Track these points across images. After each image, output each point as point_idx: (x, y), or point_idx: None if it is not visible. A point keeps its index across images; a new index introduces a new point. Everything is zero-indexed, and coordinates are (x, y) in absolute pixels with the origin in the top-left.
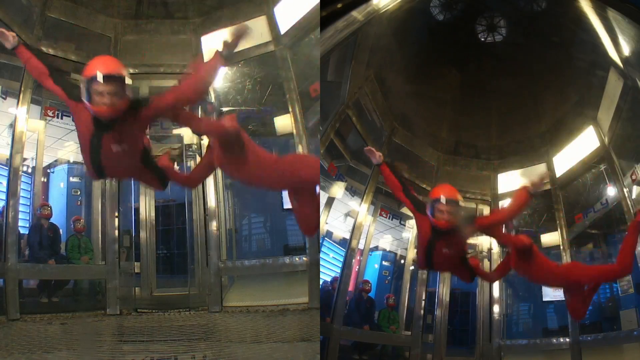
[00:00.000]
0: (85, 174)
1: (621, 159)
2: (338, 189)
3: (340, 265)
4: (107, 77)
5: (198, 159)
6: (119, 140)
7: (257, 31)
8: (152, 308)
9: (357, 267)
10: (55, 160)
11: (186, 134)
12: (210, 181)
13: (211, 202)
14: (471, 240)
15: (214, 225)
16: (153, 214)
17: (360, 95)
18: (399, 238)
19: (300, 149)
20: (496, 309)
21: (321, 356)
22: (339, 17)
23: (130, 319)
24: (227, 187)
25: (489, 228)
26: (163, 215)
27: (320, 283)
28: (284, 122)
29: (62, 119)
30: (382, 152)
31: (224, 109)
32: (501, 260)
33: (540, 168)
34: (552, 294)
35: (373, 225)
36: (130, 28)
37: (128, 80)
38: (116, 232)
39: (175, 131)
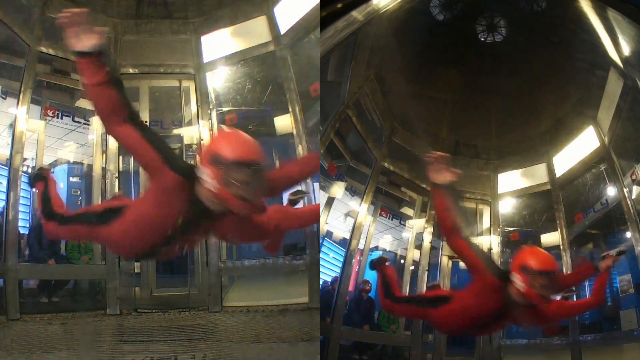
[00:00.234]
0: (126, 256)
1: (621, 159)
2: (338, 189)
3: (340, 265)
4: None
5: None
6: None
7: (257, 31)
8: (152, 308)
9: (357, 267)
10: (55, 160)
11: (186, 134)
12: None
13: None
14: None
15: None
16: None
17: (360, 95)
18: (399, 238)
19: (300, 149)
20: None
21: (321, 356)
22: (339, 17)
23: (130, 319)
24: None
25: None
26: None
27: (320, 283)
28: (284, 122)
29: (62, 119)
30: (382, 152)
31: (224, 109)
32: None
33: (540, 168)
34: None
35: (373, 225)
36: (130, 28)
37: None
38: None
39: (175, 131)
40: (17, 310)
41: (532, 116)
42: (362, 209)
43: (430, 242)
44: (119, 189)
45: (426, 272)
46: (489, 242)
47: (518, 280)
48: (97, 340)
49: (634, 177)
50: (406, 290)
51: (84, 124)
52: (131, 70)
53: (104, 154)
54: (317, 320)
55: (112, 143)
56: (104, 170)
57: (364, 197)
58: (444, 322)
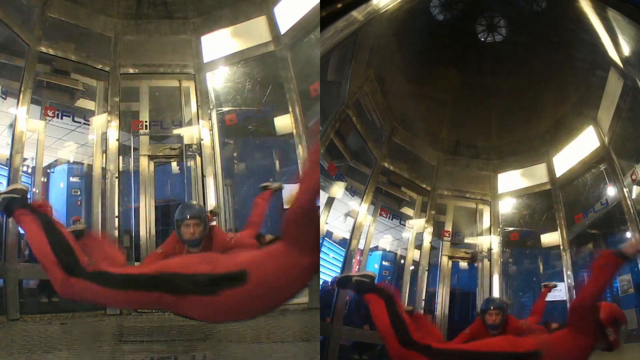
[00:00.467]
0: None
1: (621, 159)
2: (338, 189)
3: (340, 265)
4: None
5: (198, 159)
6: None
7: (257, 31)
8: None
9: (357, 267)
10: (55, 160)
11: (186, 134)
12: (210, 181)
13: (211, 202)
14: (470, 240)
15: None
16: (153, 214)
17: (360, 95)
18: (399, 238)
19: (300, 149)
20: None
21: (321, 356)
22: (339, 17)
23: (130, 319)
24: (227, 186)
25: None
26: (163, 215)
27: (320, 283)
28: (284, 122)
29: (62, 119)
30: (382, 152)
31: (224, 109)
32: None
33: (540, 168)
34: (552, 294)
35: (373, 225)
36: (130, 28)
37: None
38: (116, 232)
39: (175, 131)
40: (17, 310)
41: (532, 116)
42: (362, 209)
43: (430, 242)
44: (119, 189)
45: (426, 272)
46: (489, 242)
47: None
48: (97, 340)
49: (634, 177)
50: (406, 291)
51: (84, 124)
52: (131, 70)
53: (104, 154)
54: (317, 320)
55: (112, 143)
56: (104, 170)
57: (364, 197)
58: None
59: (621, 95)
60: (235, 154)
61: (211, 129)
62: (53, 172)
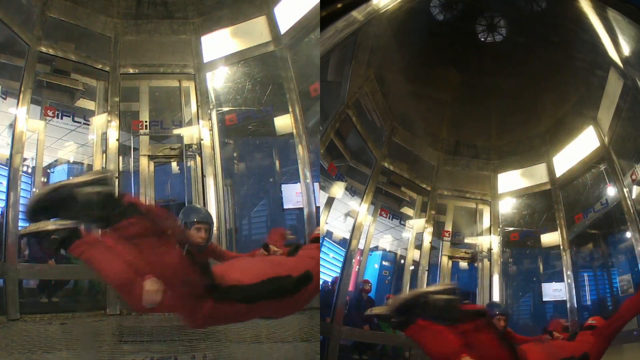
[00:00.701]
0: None
1: (621, 159)
2: (338, 189)
3: (340, 265)
4: None
5: (198, 159)
6: None
7: (257, 31)
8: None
9: (357, 267)
10: (55, 160)
11: (186, 134)
12: (210, 181)
13: (211, 202)
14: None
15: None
16: None
17: (360, 95)
18: (399, 238)
19: (300, 149)
20: None
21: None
22: (339, 17)
23: (130, 319)
24: (227, 186)
25: None
26: None
27: (320, 283)
28: (284, 122)
29: (62, 119)
30: (382, 152)
31: (224, 109)
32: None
33: (540, 168)
34: (552, 293)
35: (373, 225)
36: (130, 28)
37: None
38: None
39: (175, 131)
40: (17, 310)
41: (532, 116)
42: (362, 209)
43: (430, 242)
44: (119, 189)
45: (426, 272)
46: (489, 242)
47: None
48: (97, 340)
49: (634, 177)
50: (406, 291)
51: (84, 124)
52: (131, 70)
53: (104, 154)
54: (317, 320)
55: (112, 143)
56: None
57: (364, 197)
58: None
59: (621, 95)
60: (235, 154)
61: (211, 129)
62: (53, 172)
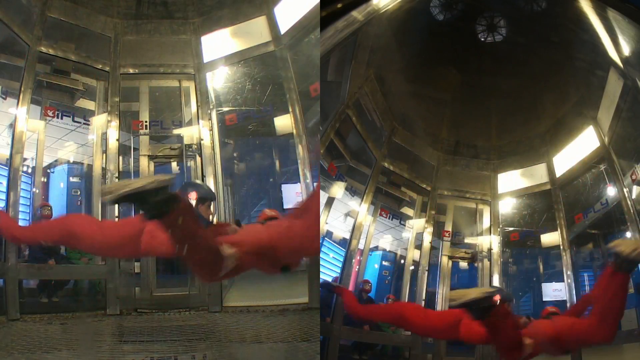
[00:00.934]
0: None
1: (621, 159)
2: (338, 189)
3: (340, 265)
4: None
5: (198, 159)
6: None
7: (257, 31)
8: (152, 308)
9: (357, 267)
10: (55, 160)
11: (186, 134)
12: (210, 181)
13: None
14: (470, 240)
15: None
16: None
17: (360, 95)
18: (399, 238)
19: (300, 149)
20: None
21: (321, 356)
22: (339, 17)
23: (130, 319)
24: (227, 186)
25: None
26: None
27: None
28: (284, 122)
29: (62, 119)
30: (382, 152)
31: (224, 109)
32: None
33: (540, 168)
34: (552, 293)
35: (373, 225)
36: (130, 28)
37: None
38: None
39: (175, 131)
40: (17, 310)
41: (532, 116)
42: (362, 209)
43: (430, 242)
44: None
45: (426, 272)
46: (489, 242)
47: None
48: (97, 340)
49: (634, 177)
50: (406, 291)
51: (84, 124)
52: (131, 70)
53: (104, 154)
54: (317, 320)
55: (112, 143)
56: (104, 170)
57: (364, 197)
58: None
59: (621, 95)
60: (235, 154)
61: (211, 129)
62: (53, 172)
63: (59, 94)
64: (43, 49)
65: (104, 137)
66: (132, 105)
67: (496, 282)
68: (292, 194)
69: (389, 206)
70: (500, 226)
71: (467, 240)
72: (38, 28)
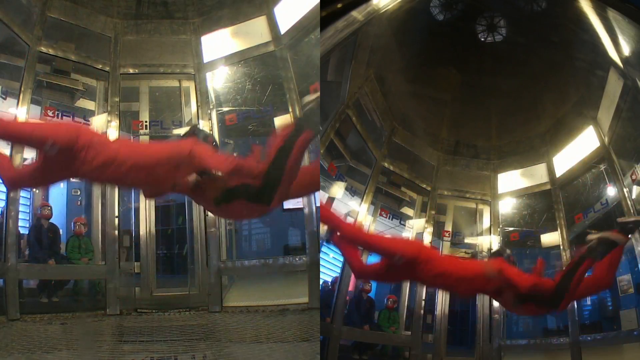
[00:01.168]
0: None
1: (621, 159)
2: (338, 189)
3: (340, 265)
4: None
5: None
6: None
7: (257, 31)
8: (152, 308)
9: None
10: None
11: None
12: None
13: None
14: (470, 240)
15: (214, 225)
16: (153, 214)
17: (360, 95)
18: None
19: None
20: (496, 309)
21: (321, 356)
22: (339, 17)
23: (130, 319)
24: None
25: None
26: (163, 215)
27: (320, 283)
28: (284, 122)
29: (62, 119)
30: (382, 152)
31: (224, 109)
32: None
33: (540, 168)
34: None
35: (373, 225)
36: (130, 28)
37: None
38: (116, 232)
39: (175, 131)
40: (17, 310)
41: (532, 116)
42: (362, 209)
43: (430, 242)
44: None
45: None
46: (489, 242)
47: None
48: (97, 340)
49: (634, 177)
50: (406, 291)
51: (83, 124)
52: (131, 70)
53: None
54: (317, 320)
55: None
56: None
57: (364, 197)
58: None
59: (621, 95)
60: (235, 154)
61: (211, 129)
62: None
63: (59, 94)
64: (43, 49)
65: None
66: (132, 105)
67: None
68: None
69: (389, 206)
70: (500, 226)
71: (467, 240)
72: (38, 28)
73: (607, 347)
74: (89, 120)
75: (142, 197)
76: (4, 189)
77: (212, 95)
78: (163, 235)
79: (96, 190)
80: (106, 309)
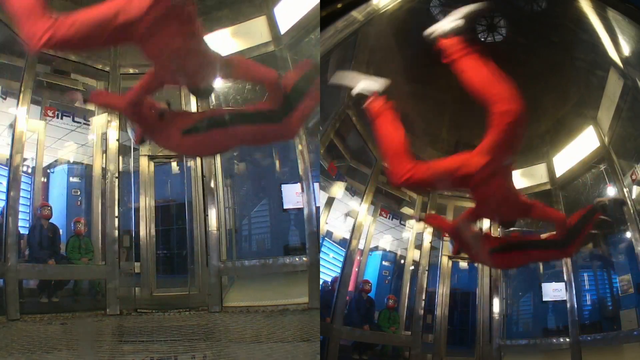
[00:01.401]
0: None
1: (621, 159)
2: (338, 189)
3: (340, 265)
4: None
5: (198, 159)
6: None
7: (257, 31)
8: (152, 308)
9: (357, 267)
10: (55, 160)
11: None
12: (210, 181)
13: (211, 202)
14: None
15: (214, 225)
16: (153, 214)
17: (361, 95)
18: (399, 238)
19: (299, 149)
20: (496, 309)
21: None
22: (339, 17)
23: (130, 319)
24: (226, 186)
25: None
26: (163, 215)
27: (320, 283)
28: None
29: (62, 119)
30: None
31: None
32: None
33: (540, 168)
34: (552, 293)
35: (373, 225)
36: None
37: None
38: (116, 232)
39: None
40: (17, 310)
41: (532, 116)
42: (362, 209)
43: (430, 242)
44: (119, 189)
45: (426, 272)
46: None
47: None
48: (97, 340)
49: (634, 177)
50: (406, 291)
51: (84, 124)
52: (131, 70)
53: (104, 154)
54: (317, 320)
55: (112, 143)
56: (103, 170)
57: (364, 197)
58: None
59: (621, 95)
60: (235, 154)
61: None
62: (53, 172)
63: (59, 94)
64: (42, 49)
65: (104, 137)
66: None
67: (496, 282)
68: (292, 194)
69: (389, 206)
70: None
71: None
72: None
73: (607, 347)
74: (89, 120)
75: (142, 197)
76: (4, 189)
77: (212, 95)
78: (163, 235)
79: (96, 190)
80: (106, 309)
